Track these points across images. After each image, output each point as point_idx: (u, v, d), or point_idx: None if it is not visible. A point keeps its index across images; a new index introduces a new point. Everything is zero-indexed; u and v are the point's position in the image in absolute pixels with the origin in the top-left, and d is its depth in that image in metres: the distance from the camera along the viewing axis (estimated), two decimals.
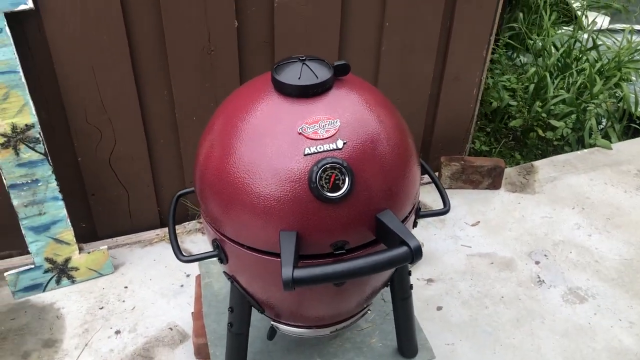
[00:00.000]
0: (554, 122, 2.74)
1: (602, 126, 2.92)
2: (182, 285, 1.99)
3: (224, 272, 1.26)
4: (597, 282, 2.00)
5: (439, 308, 1.91)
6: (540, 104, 2.88)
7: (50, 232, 1.88)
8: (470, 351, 1.77)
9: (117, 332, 1.84)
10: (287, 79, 1.08)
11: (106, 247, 1.99)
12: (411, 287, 1.39)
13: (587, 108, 2.70)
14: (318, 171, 1.02)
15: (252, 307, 1.29)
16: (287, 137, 1.05)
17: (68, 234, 1.90)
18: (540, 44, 3.26)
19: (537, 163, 2.57)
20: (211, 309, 1.62)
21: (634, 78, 3.18)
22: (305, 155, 1.04)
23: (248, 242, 1.10)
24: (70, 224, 1.89)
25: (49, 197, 1.83)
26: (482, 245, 2.15)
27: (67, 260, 1.94)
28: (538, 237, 2.18)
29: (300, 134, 1.04)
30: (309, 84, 1.07)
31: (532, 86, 2.89)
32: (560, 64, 3.16)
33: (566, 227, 2.23)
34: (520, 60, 3.43)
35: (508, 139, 2.99)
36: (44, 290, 1.96)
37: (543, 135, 2.85)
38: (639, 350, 1.78)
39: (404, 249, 1.02)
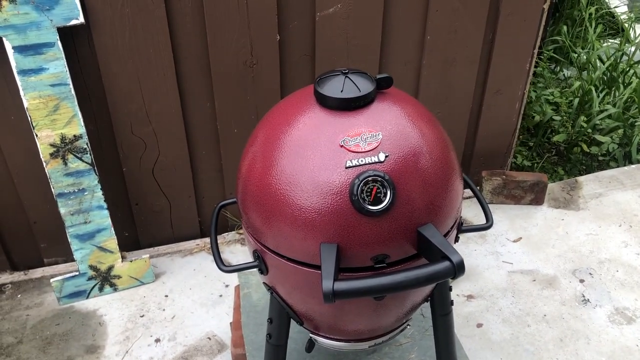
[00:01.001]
0: (599, 137, 2.67)
1: None
2: (220, 295, 2.01)
3: (264, 283, 1.27)
4: None
5: (479, 325, 1.87)
6: (585, 118, 2.82)
7: (95, 240, 1.92)
8: None
9: (157, 340, 1.86)
10: (329, 91, 1.09)
11: (148, 256, 2.03)
12: (452, 303, 1.37)
13: (636, 123, 2.63)
14: (359, 184, 1.02)
15: (291, 319, 1.29)
16: (329, 149, 1.05)
17: (112, 242, 1.94)
18: (585, 57, 3.19)
19: (581, 179, 2.51)
20: (249, 320, 1.63)
21: None
22: (346, 168, 1.04)
23: (288, 254, 1.11)
24: (114, 232, 1.93)
25: (95, 206, 1.88)
26: (524, 262, 2.11)
27: (110, 268, 1.98)
28: (582, 255, 2.12)
29: (342, 146, 1.05)
30: (351, 97, 1.08)
31: (576, 100, 2.83)
32: (606, 78, 3.09)
33: (612, 245, 2.16)
34: (563, 74, 3.37)
35: (551, 154, 2.93)
36: (87, 297, 2.00)
37: (588, 150, 2.78)
38: None
39: (446, 263, 1.01)
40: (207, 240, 2.23)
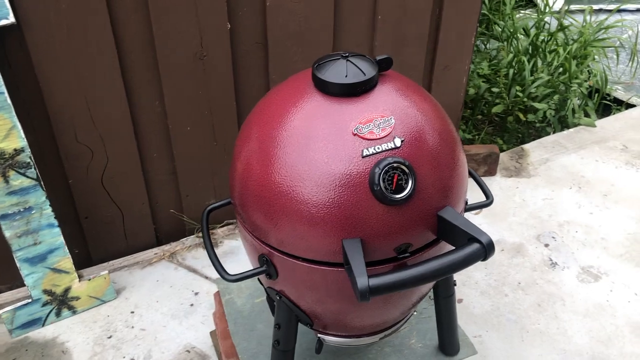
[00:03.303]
0: (536, 105, 2.76)
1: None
2: (192, 305, 1.90)
3: (269, 288, 1.19)
4: (607, 258, 2.02)
5: (459, 301, 1.88)
6: (520, 88, 2.90)
7: (47, 262, 1.75)
8: (499, 341, 1.75)
9: None
10: (333, 77, 1.02)
11: (107, 272, 1.87)
12: (454, 283, 1.35)
13: (571, 88, 2.73)
14: (381, 173, 0.96)
15: (299, 322, 1.22)
16: (342, 139, 0.99)
17: (67, 262, 1.78)
18: (510, 29, 3.29)
19: (527, 146, 2.59)
20: (238, 327, 1.54)
21: (596, 57, 3.26)
22: (363, 157, 0.98)
23: (305, 254, 1.04)
24: (67, 251, 1.77)
25: (44, 225, 1.70)
26: (490, 233, 2.10)
27: (67, 290, 1.81)
28: (543, 220, 2.19)
29: (355, 134, 0.98)
30: (357, 82, 1.01)
31: (511, 71, 2.91)
32: (530, 48, 3.19)
33: (568, 207, 2.24)
34: (486, 47, 3.45)
35: (486, 125, 3.00)
36: (43, 325, 1.82)
37: (525, 118, 2.87)
38: None
39: (475, 246, 0.98)
40: (166, 248, 2.09)
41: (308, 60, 1.94)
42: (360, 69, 1.03)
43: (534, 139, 2.93)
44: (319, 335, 1.26)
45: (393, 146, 0.99)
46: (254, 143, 1.07)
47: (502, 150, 2.76)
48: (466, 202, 1.21)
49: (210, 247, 1.16)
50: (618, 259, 2.02)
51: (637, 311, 1.84)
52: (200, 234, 2.13)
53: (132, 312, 1.87)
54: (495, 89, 2.88)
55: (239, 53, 1.87)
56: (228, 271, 1.10)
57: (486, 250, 0.97)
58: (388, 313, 1.19)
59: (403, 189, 0.98)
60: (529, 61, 3.05)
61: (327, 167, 0.98)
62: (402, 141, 0.99)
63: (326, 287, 1.07)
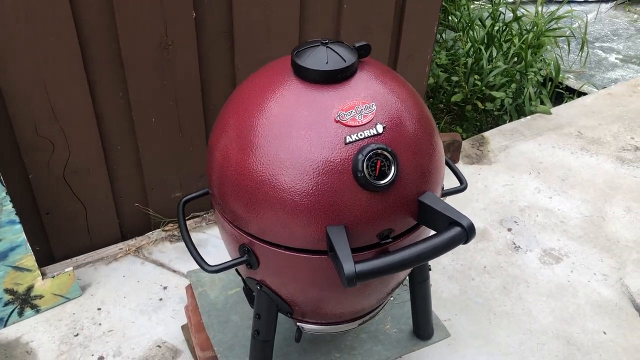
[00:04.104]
0: (494, 93, 2.83)
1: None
2: (161, 299, 1.86)
3: (249, 278, 1.18)
4: (567, 241, 2.09)
5: None
6: (478, 77, 2.96)
7: (9, 260, 1.68)
8: (468, 323, 1.79)
9: (101, 358, 1.69)
10: (314, 64, 1.01)
11: (71, 268, 1.82)
12: (429, 268, 1.38)
13: (528, 77, 2.81)
14: (364, 159, 0.97)
15: (279, 311, 1.22)
16: (324, 126, 0.98)
17: (29, 259, 1.72)
18: (467, 20, 3.35)
19: (487, 134, 2.65)
20: (212, 319, 1.53)
21: (549, 47, 3.35)
22: (346, 144, 0.98)
23: (287, 242, 1.03)
24: (30, 248, 1.71)
25: (5, 222, 1.64)
26: None
27: (30, 288, 1.75)
28: (505, 205, 2.24)
29: (338, 121, 0.99)
30: (338, 68, 1.01)
31: (469, 60, 2.96)
32: (486, 38, 3.26)
33: (528, 192, 2.31)
34: (442, 37, 3.51)
35: (445, 114, 3.05)
36: (5, 325, 1.76)
37: (483, 107, 2.94)
38: (618, 299, 1.88)
39: (457, 229, 1.00)
40: (131, 242, 2.05)
41: (274, 50, 1.93)
42: (340, 56, 1.03)
43: (491, 127, 3.00)
44: (298, 323, 1.26)
45: (375, 132, 0.99)
46: (232, 131, 1.06)
47: (462, 138, 2.82)
48: (442, 188, 1.23)
49: (188, 239, 1.15)
50: (577, 241, 2.09)
51: (596, 290, 1.91)
52: (167, 228, 2.10)
53: (99, 309, 1.83)
54: (454, 78, 2.93)
55: (204, 42, 1.83)
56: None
57: (467, 233, 0.99)
58: (367, 300, 1.20)
59: (386, 175, 0.98)
60: (485, 50, 3.12)
61: (310, 155, 0.98)
62: (383, 127, 1.00)
63: (309, 275, 1.07)
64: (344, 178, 0.97)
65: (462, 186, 1.27)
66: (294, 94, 1.02)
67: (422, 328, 1.47)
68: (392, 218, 1.02)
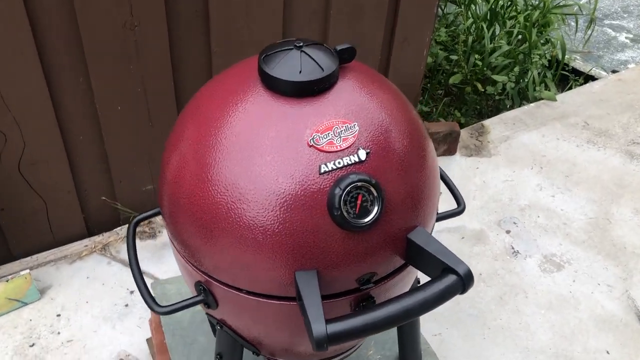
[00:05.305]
0: (495, 77, 2.63)
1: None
2: (127, 305, 1.71)
3: (208, 315, 1.02)
4: (570, 246, 1.94)
5: None
6: (479, 56, 2.76)
7: None
8: (459, 339, 1.65)
9: None
10: (284, 73, 0.83)
11: (28, 271, 1.66)
12: (419, 282, 1.22)
13: (533, 60, 2.61)
14: (342, 194, 0.79)
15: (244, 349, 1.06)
16: (294, 151, 0.81)
17: None
18: None
19: (487, 122, 2.47)
20: (176, 340, 1.37)
21: (555, 25, 3.14)
22: (321, 174, 0.80)
23: (249, 287, 0.87)
24: None
25: None
26: (449, 220, 2.01)
27: None
28: (504, 204, 2.08)
29: (311, 146, 0.81)
30: (313, 79, 0.83)
31: (470, 38, 2.76)
32: (489, 14, 3.04)
33: (529, 190, 2.14)
34: (443, 11, 3.29)
35: (441, 94, 2.86)
36: None
37: (483, 89, 2.74)
38: (623, 314, 1.74)
39: (452, 278, 0.83)
40: (97, 239, 1.88)
41: (256, 33, 1.73)
42: (317, 63, 0.84)
43: (492, 112, 2.81)
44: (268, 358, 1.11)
45: (357, 160, 0.82)
46: (187, 148, 0.88)
47: (460, 124, 2.64)
48: (437, 212, 1.06)
49: (137, 270, 0.98)
50: (580, 246, 1.94)
51: (600, 303, 1.77)
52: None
53: (59, 315, 1.67)
54: (453, 57, 2.73)
55: (176, 24, 1.64)
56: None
57: (464, 283, 0.83)
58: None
59: (368, 213, 0.81)
60: (488, 28, 2.91)
61: (276, 186, 0.80)
62: (367, 154, 0.83)
63: (276, 321, 0.91)
64: (317, 215, 0.80)
65: (460, 208, 1.10)
66: (259, 108, 0.84)
67: (409, 354, 1.32)
68: (375, 260, 0.85)
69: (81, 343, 1.61)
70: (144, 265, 1.81)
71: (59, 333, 1.63)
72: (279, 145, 0.81)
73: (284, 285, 0.84)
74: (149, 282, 1.75)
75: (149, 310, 1.67)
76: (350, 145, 0.82)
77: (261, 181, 0.81)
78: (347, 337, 0.77)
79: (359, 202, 0.80)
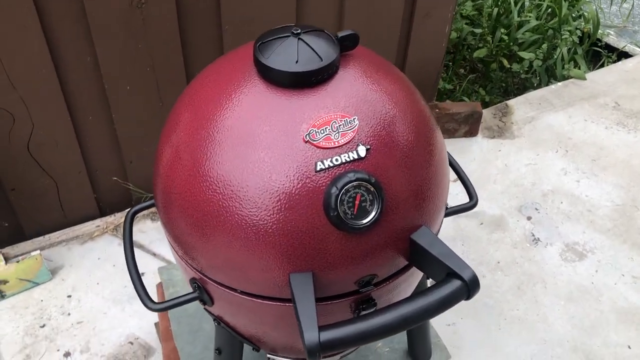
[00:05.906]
0: (523, 54, 2.52)
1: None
2: None
3: (206, 309, 0.99)
4: (593, 234, 1.86)
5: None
6: (505, 30, 2.65)
7: None
8: (474, 329, 1.60)
9: (67, 354, 1.54)
10: (280, 63, 0.78)
11: (38, 252, 1.65)
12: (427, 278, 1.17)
13: (562, 36, 2.49)
14: (338, 194, 0.74)
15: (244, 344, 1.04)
16: (289, 147, 0.76)
17: None
18: None
19: (511, 102, 2.37)
20: (182, 327, 1.36)
21: None
22: (317, 171, 0.75)
23: (243, 287, 0.83)
24: None
25: None
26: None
27: None
28: (526, 189, 2.00)
29: (307, 142, 0.76)
30: (311, 70, 0.77)
31: (495, 10, 2.63)
32: None
33: (553, 174, 2.06)
34: None
35: (466, 70, 2.76)
36: None
37: (508, 66, 2.64)
38: None
39: (456, 283, 0.78)
40: (109, 219, 1.87)
41: (268, 6, 1.67)
42: (316, 52, 0.78)
43: (518, 90, 2.71)
44: (269, 355, 1.08)
45: (356, 157, 0.77)
46: (179, 140, 0.84)
47: (484, 103, 2.55)
48: (446, 207, 1.00)
49: (132, 263, 0.95)
50: (605, 235, 1.86)
51: (623, 295, 1.69)
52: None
53: (69, 296, 1.67)
54: (477, 30, 2.62)
55: (185, 0, 1.58)
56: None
57: (469, 289, 0.78)
58: None
59: (367, 213, 0.76)
60: (515, 2, 2.78)
61: (270, 184, 0.76)
62: (367, 150, 0.77)
63: (273, 322, 0.88)
64: (313, 215, 0.76)
65: (472, 203, 1.04)
66: (254, 100, 0.79)
67: (418, 348, 1.28)
68: (375, 262, 0.81)
69: (91, 325, 1.61)
70: (155, 247, 1.80)
71: (69, 314, 1.63)
72: (273, 141, 0.76)
73: (279, 287, 0.80)
74: (159, 264, 1.74)
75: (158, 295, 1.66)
76: (349, 141, 0.77)
77: (254, 178, 0.76)
78: (341, 345, 0.73)
79: (357, 202, 0.75)
